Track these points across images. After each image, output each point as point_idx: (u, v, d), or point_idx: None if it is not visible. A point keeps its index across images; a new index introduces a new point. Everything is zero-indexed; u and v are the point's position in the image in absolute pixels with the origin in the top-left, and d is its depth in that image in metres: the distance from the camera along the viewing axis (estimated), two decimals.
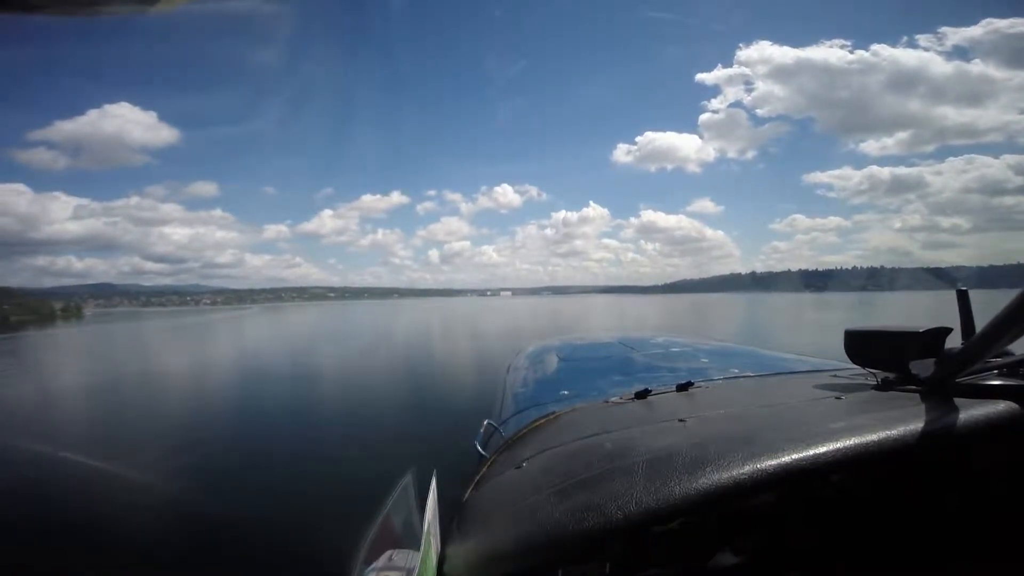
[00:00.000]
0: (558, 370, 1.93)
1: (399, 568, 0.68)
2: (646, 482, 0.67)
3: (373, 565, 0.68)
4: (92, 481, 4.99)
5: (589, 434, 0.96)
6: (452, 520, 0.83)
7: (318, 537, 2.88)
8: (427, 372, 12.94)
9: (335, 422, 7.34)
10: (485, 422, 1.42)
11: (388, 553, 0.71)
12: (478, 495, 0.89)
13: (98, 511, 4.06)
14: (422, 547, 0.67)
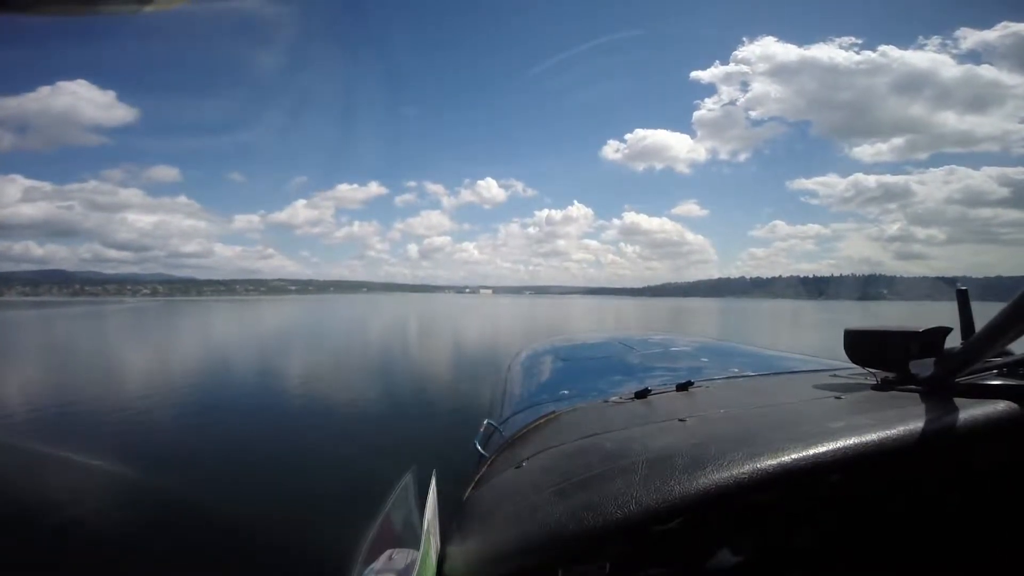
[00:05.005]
0: (558, 370, 1.93)
1: (399, 568, 0.68)
2: (646, 482, 0.67)
3: (373, 565, 0.68)
4: (90, 480, 4.99)
5: (589, 434, 0.96)
6: (452, 520, 0.83)
7: (318, 537, 2.88)
8: (427, 372, 12.90)
9: (334, 422, 7.32)
10: (485, 422, 1.42)
11: (388, 553, 0.71)
12: (478, 495, 0.89)
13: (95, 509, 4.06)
14: (422, 547, 0.67)
